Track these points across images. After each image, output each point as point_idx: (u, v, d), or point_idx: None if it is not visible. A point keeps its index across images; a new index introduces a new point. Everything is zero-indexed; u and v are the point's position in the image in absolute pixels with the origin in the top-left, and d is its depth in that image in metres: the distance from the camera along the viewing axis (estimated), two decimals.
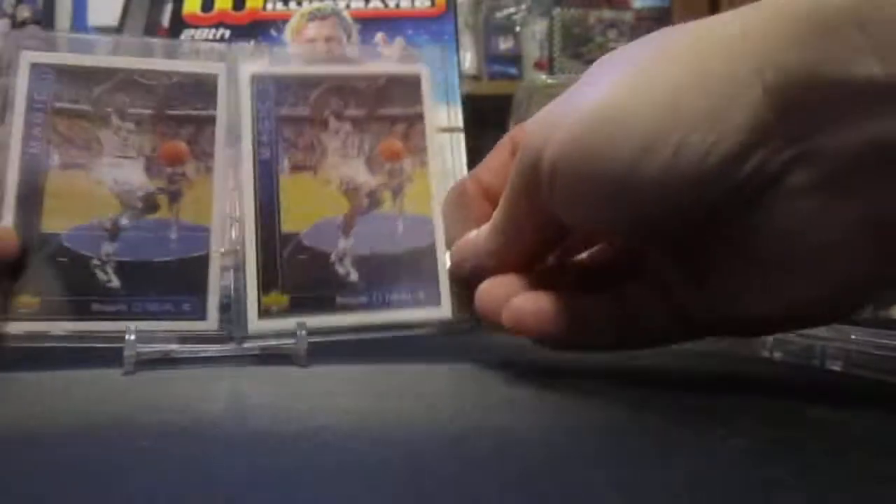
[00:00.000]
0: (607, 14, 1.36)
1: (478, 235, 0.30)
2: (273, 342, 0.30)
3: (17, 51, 0.32)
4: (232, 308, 0.31)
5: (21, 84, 0.31)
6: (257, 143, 0.32)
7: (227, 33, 0.73)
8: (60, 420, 0.21)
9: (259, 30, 0.73)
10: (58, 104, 0.32)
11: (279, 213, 0.32)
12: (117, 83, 0.32)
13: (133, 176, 0.32)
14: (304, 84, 0.34)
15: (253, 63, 0.34)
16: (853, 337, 0.33)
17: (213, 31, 0.73)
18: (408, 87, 0.35)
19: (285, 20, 0.74)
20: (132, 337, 0.29)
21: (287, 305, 0.31)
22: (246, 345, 0.30)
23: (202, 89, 0.33)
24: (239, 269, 0.31)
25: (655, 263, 0.27)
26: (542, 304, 0.28)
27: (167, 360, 0.30)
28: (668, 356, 0.31)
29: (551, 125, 0.25)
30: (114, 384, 0.27)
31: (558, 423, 0.21)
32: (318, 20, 0.74)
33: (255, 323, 0.30)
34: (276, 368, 0.29)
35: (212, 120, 0.33)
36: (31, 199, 0.31)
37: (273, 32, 0.73)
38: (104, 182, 0.32)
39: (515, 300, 0.28)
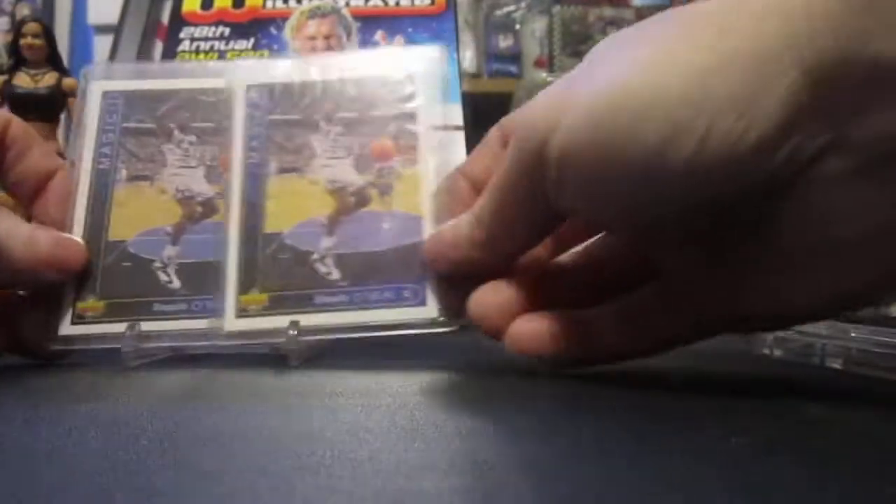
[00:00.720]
0: (607, 12, 1.36)
1: (457, 226, 0.29)
2: (251, 341, 0.30)
3: (89, 82, 0.35)
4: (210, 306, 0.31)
5: (92, 109, 0.35)
6: (248, 148, 0.34)
7: (227, 31, 0.73)
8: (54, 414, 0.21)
9: (259, 27, 0.73)
10: (125, 124, 0.34)
11: (263, 213, 0.32)
12: (180, 102, 0.35)
13: (193, 183, 0.34)
14: (295, 91, 0.35)
15: (248, 75, 0.35)
16: (853, 335, 0.33)
17: (213, 28, 0.73)
18: (399, 87, 0.35)
19: (285, 18, 0.74)
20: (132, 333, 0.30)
21: (266, 304, 0.31)
22: (224, 343, 0.30)
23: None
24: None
25: (673, 263, 0.26)
26: (540, 325, 0.27)
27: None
28: (666, 355, 0.31)
29: (557, 108, 0.23)
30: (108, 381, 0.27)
31: (555, 421, 0.21)
32: (317, 18, 0.74)
33: (232, 322, 0.30)
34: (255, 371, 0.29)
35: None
36: (99, 210, 0.33)
37: (273, 30, 0.73)
38: (167, 191, 0.34)
39: (515, 325, 0.27)
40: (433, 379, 0.28)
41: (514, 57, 1.54)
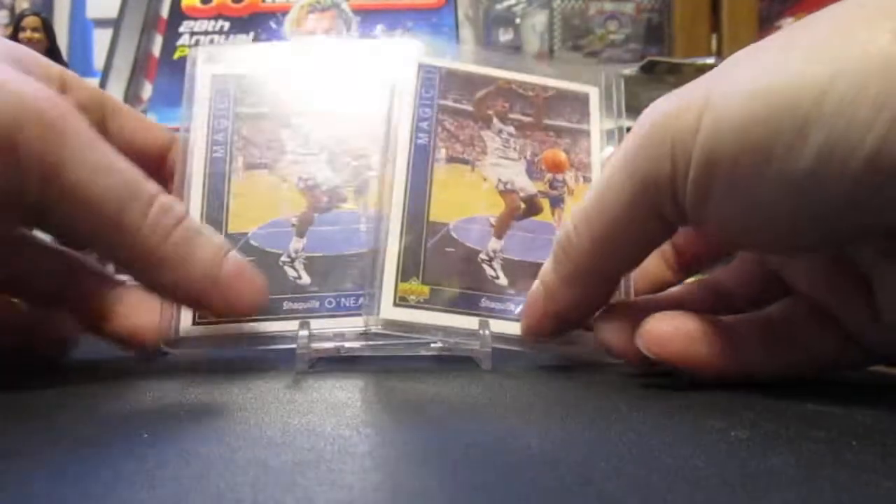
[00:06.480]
0: (608, 6, 1.35)
1: (543, 272, 0.26)
2: (411, 336, 0.28)
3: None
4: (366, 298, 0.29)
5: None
6: (416, 129, 0.31)
7: (227, 25, 0.73)
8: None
9: (258, 22, 0.73)
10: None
11: (428, 200, 0.30)
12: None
13: (318, 171, 0.32)
14: (473, 81, 0.33)
15: (422, 53, 0.33)
16: None
17: (213, 23, 0.73)
18: (575, 103, 0.34)
19: (284, 12, 0.74)
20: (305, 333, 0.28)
21: (427, 297, 0.29)
22: (393, 343, 0.28)
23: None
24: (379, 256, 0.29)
25: (813, 285, 0.23)
26: (686, 324, 0.23)
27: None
28: None
29: (698, 103, 0.19)
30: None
31: (555, 415, 0.21)
32: (317, 12, 0.74)
33: (388, 310, 0.28)
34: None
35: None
36: (215, 201, 0.30)
37: (272, 25, 0.73)
38: (288, 179, 0.31)
39: (649, 322, 0.23)
40: (434, 375, 0.28)
41: (515, 51, 1.54)
